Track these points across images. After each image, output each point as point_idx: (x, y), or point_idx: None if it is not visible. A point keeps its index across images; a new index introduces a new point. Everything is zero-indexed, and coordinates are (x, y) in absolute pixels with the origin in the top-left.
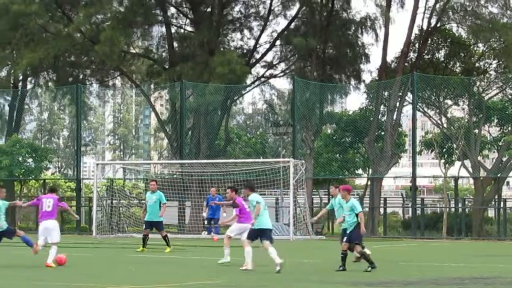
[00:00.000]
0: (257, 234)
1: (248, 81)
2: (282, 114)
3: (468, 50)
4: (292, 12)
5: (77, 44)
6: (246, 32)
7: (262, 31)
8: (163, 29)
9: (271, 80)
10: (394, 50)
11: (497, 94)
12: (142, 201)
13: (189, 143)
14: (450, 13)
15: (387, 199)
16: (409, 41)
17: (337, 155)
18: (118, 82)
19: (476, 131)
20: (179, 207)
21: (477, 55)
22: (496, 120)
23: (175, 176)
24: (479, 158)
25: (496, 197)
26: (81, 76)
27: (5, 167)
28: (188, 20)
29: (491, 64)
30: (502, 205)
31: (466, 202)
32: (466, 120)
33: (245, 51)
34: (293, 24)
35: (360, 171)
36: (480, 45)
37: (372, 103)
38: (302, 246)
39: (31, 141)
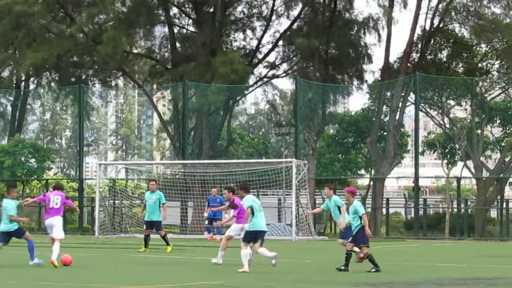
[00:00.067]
0: (253, 237)
1: (251, 82)
2: (284, 115)
3: (471, 51)
4: (295, 12)
5: (80, 44)
6: (248, 32)
7: (264, 32)
8: (166, 29)
9: (274, 81)
10: (397, 50)
11: (499, 94)
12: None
13: (191, 143)
14: (453, 13)
15: (390, 199)
16: (412, 41)
17: (340, 155)
18: (120, 82)
19: (479, 131)
20: (181, 208)
21: (479, 55)
22: (498, 121)
23: (177, 176)
24: (482, 158)
25: (499, 197)
26: (83, 76)
27: (7, 167)
28: (190, 20)
29: (493, 64)
30: (504, 206)
31: (469, 203)
32: (468, 120)
33: (247, 51)
34: (295, 24)
35: (362, 171)
36: (482, 45)
37: (375, 104)
38: (304, 247)
39: (33, 141)
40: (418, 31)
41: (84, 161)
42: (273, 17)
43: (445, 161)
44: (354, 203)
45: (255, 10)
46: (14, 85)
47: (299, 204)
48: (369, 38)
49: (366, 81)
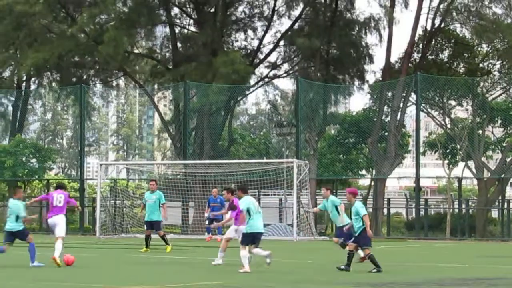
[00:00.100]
0: (251, 238)
1: (252, 82)
2: (285, 115)
3: (472, 51)
4: (296, 12)
5: (81, 44)
6: (250, 32)
7: (266, 32)
8: (167, 29)
9: (275, 81)
10: (398, 50)
11: (501, 94)
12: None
13: (192, 143)
14: (454, 13)
15: (391, 199)
16: (413, 41)
17: (341, 155)
18: (121, 82)
19: (480, 131)
20: (182, 208)
21: (481, 55)
22: (500, 121)
23: (178, 176)
24: (483, 159)
25: (500, 198)
26: (84, 77)
27: (8, 168)
28: (191, 21)
29: (495, 64)
30: (505, 206)
31: (470, 203)
32: (469, 120)
33: (248, 51)
34: (297, 24)
35: (363, 171)
36: (484, 45)
37: (376, 104)
38: (305, 247)
39: (34, 141)
40: (419, 31)
41: (85, 161)
42: (274, 17)
43: (446, 161)
44: (355, 204)
45: (256, 10)
46: (15, 85)
47: (300, 204)
48: (370, 38)
49: (367, 81)
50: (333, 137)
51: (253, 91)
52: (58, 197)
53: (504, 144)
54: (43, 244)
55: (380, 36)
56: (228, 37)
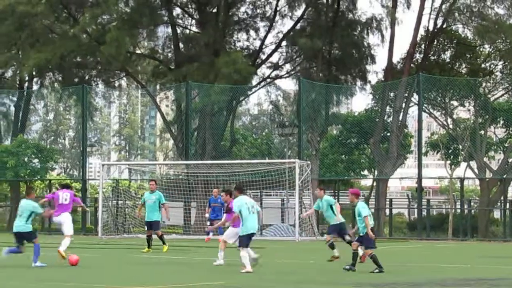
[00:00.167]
0: (248, 239)
1: (254, 82)
2: (287, 115)
3: (474, 51)
4: (298, 13)
5: (83, 44)
6: (252, 32)
7: (268, 32)
8: (169, 29)
9: (277, 81)
10: (400, 51)
11: (503, 95)
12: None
13: (194, 143)
14: (456, 14)
15: (393, 200)
16: (415, 42)
17: (343, 156)
18: (123, 82)
19: (482, 132)
20: (184, 208)
21: (483, 56)
22: (502, 121)
23: (180, 177)
24: (485, 159)
25: (502, 198)
26: (87, 77)
27: (11, 168)
28: (193, 21)
29: (497, 65)
30: (508, 206)
31: (472, 203)
32: (472, 121)
33: (251, 51)
34: (299, 25)
35: (365, 172)
36: (486, 46)
37: (378, 104)
38: (307, 247)
39: (36, 141)
40: (422, 31)
41: (87, 162)
42: (277, 18)
43: (449, 161)
44: (358, 204)
45: (258, 11)
46: (17, 85)
47: (302, 205)
48: (372, 39)
49: (370, 81)
50: (335, 137)
51: (255, 91)
52: (64, 195)
53: (506, 145)
54: (45, 244)
55: (382, 36)
56: (230, 37)
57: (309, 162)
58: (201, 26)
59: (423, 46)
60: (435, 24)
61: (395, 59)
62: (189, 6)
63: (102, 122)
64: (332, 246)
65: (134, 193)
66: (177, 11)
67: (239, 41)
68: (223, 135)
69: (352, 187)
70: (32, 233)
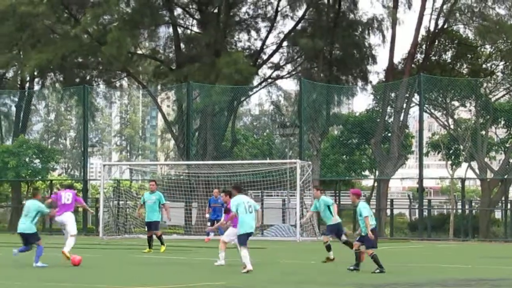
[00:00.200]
0: (247, 237)
1: (255, 82)
2: (289, 116)
3: (475, 52)
4: (299, 13)
5: (84, 45)
6: (253, 33)
7: (269, 32)
8: (170, 30)
9: (278, 81)
10: (401, 51)
11: (504, 95)
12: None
13: (195, 144)
14: (457, 14)
15: (394, 200)
16: (416, 42)
17: (344, 156)
18: (125, 83)
19: (483, 132)
20: (185, 208)
21: (484, 56)
22: (503, 122)
23: (181, 177)
24: (486, 159)
25: (503, 198)
26: (88, 77)
27: (12, 168)
28: (195, 21)
29: (498, 65)
30: (509, 207)
31: (473, 204)
32: (473, 121)
33: (252, 52)
34: (300, 25)
35: (366, 172)
36: (487, 46)
37: (379, 105)
38: (308, 248)
39: (38, 142)
40: (423, 32)
41: (89, 162)
42: (278, 18)
43: (450, 162)
44: (359, 204)
45: (259, 11)
46: (18, 85)
47: (303, 205)
48: (374, 39)
49: (371, 82)
50: (336, 137)
51: (256, 91)
52: (66, 195)
53: (507, 145)
54: (47, 244)
55: (383, 36)
56: (231, 37)
57: (310, 163)
58: (202, 26)
59: (424, 47)
60: (436, 24)
61: (396, 60)
62: (190, 7)
63: (103, 122)
64: (328, 248)
65: (135, 193)
66: (178, 11)
67: (240, 41)
68: (224, 136)
69: (353, 188)
70: (35, 234)
